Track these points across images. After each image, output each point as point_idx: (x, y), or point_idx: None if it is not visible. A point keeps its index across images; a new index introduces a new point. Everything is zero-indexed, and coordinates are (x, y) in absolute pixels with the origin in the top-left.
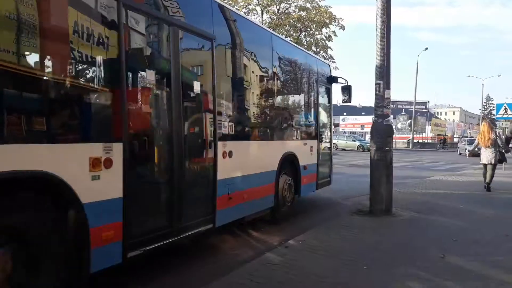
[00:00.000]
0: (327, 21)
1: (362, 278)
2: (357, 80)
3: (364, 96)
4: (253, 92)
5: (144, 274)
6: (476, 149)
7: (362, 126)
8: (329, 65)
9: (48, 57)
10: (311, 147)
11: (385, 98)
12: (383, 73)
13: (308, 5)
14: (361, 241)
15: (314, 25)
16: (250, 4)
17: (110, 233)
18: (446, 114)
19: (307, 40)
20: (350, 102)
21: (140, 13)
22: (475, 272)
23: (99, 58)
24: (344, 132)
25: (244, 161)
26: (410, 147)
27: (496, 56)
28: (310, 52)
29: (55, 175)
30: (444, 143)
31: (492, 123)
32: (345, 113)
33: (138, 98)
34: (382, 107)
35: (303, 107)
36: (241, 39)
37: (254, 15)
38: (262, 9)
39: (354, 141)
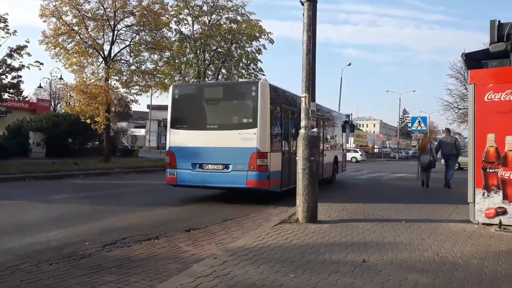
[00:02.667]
0: (257, 34)
1: (290, 284)
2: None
3: None
4: (329, 136)
5: None
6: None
7: None
8: (344, 115)
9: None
10: (340, 152)
11: (311, 110)
12: (309, 86)
13: (239, 18)
14: (288, 248)
15: (245, 37)
16: (181, 14)
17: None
18: (367, 126)
19: (238, 52)
20: (353, 131)
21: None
22: (392, 274)
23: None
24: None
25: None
26: None
27: (411, 73)
28: (339, 112)
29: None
30: None
31: (408, 134)
32: None
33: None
34: (308, 119)
35: (336, 136)
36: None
37: (185, 25)
38: (193, 19)
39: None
